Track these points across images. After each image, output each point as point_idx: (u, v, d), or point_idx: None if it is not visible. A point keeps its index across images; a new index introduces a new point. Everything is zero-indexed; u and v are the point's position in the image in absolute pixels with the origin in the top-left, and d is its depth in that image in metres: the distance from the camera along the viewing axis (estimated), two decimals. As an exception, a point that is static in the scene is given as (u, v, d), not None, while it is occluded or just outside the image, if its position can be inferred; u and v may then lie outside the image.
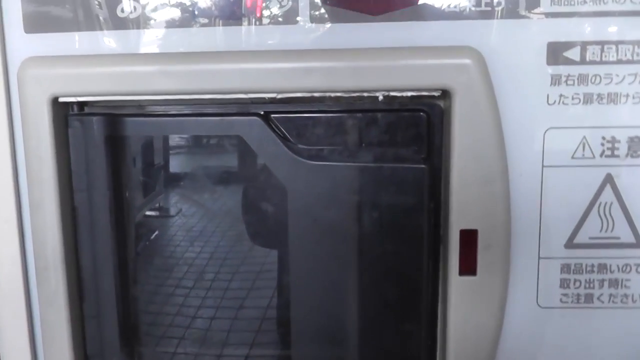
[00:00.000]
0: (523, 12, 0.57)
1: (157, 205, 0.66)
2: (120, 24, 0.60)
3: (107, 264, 0.63)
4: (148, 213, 0.66)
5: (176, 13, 0.59)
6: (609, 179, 0.59)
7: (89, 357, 0.66)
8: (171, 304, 0.66)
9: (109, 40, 0.60)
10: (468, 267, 0.59)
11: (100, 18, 0.60)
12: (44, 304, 0.63)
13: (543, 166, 0.59)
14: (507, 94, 0.57)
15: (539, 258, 0.61)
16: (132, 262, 0.64)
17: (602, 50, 0.57)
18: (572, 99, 0.58)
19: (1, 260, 0.64)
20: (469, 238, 0.58)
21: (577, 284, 0.61)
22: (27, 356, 0.66)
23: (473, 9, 0.57)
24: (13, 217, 0.63)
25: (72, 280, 0.63)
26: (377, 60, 0.57)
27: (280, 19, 0.58)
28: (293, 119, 0.60)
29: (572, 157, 0.59)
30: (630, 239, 0.60)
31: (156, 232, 0.66)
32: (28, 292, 0.65)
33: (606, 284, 0.61)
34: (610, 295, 0.61)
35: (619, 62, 0.57)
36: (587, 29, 0.57)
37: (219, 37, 0.59)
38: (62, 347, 0.64)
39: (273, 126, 0.60)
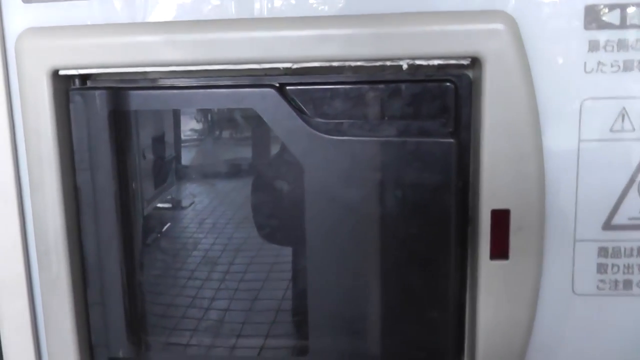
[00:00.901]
0: (559, -28, 0.52)
1: (166, 186, 0.62)
2: (124, -10, 0.56)
3: (112, 248, 0.60)
4: (156, 195, 0.62)
5: (184, -22, 0.55)
6: (651, 154, 0.55)
7: (93, 347, 0.63)
8: (182, 291, 0.62)
9: (112, 9, 0.57)
10: (499, 250, 0.55)
11: (103, -16, 0.56)
12: (45, 290, 0.60)
13: (579, 140, 0.55)
14: (541, 62, 0.54)
15: (575, 241, 0.57)
16: (139, 246, 0.61)
17: (645, 13, 0.52)
18: (611, 66, 0.54)
19: (1, 244, 0.61)
20: (500, 219, 0.55)
21: (615, 269, 0.57)
22: (29, 345, 0.63)
23: (505, -31, 0.53)
24: (13, 198, 0.60)
25: (75, 265, 0.60)
26: (401, 26, 0.53)
27: (296, -17, 0.54)
28: (310, 91, 0.56)
29: (611, 131, 0.55)
30: (674, 219, 0.56)
31: (165, 215, 0.62)
32: (30, 277, 0.62)
33: (647, 269, 0.57)
34: (652, 281, 0.57)
35: (664, 25, 0.53)
36: (628, -10, 0.52)
37: (230, 3, 0.56)
38: (65, 335, 0.61)
39: (288, 98, 0.56)
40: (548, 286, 0.58)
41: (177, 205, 0.63)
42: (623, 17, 0.53)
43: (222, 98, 0.56)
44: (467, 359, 0.60)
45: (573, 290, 0.58)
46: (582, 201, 0.56)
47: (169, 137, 0.61)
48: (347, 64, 0.55)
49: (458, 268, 0.57)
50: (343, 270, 0.58)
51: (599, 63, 0.54)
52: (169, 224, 0.62)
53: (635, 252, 0.57)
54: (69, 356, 0.61)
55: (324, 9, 0.55)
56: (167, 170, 0.62)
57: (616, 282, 0.58)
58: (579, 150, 0.56)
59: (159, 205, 0.63)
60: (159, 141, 0.61)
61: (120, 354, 0.63)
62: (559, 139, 0.55)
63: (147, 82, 0.59)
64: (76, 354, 0.61)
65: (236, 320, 0.62)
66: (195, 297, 0.62)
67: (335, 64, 0.54)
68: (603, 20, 0.53)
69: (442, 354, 0.58)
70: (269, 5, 0.56)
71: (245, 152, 0.59)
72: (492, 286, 0.56)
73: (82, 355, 0.62)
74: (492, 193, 0.54)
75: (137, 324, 0.62)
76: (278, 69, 0.56)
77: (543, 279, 0.57)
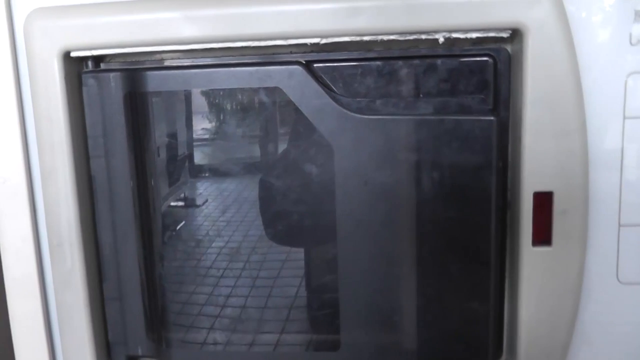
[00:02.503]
0: (604, -63, 0.50)
1: (186, 174, 0.59)
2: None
3: (129, 239, 0.57)
4: (175, 182, 0.59)
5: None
6: (702, 132, 0.52)
7: (110, 345, 0.60)
8: (205, 282, 0.59)
9: (126, -14, 0.54)
10: (542, 236, 0.52)
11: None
12: (59, 285, 0.57)
13: (624, 117, 0.52)
14: (584, 33, 0.51)
15: (619, 225, 0.54)
16: (159, 236, 0.57)
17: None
18: (659, 38, 0.51)
19: (11, 238, 0.58)
20: (543, 202, 0.52)
21: (662, 255, 0.54)
22: (42, 345, 0.60)
23: None
24: (23, 188, 0.58)
25: (90, 258, 0.58)
26: (437, -5, 0.50)
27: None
28: (339, 68, 0.53)
29: (658, 107, 0.52)
30: None
31: (185, 204, 0.59)
32: (42, 272, 0.59)
33: (697, 254, 0.54)
34: (702, 268, 0.54)
35: None
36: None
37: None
38: (80, 332, 0.58)
39: (316, 76, 0.53)
40: (591, 275, 0.55)
41: (194, 199, 0.59)
42: (671, -15, 0.50)
43: (246, 77, 0.53)
44: (507, 353, 0.57)
45: (618, 279, 0.55)
46: (627, 182, 0.53)
47: (186, 120, 0.58)
48: (378, 38, 0.52)
49: (498, 255, 0.53)
50: (376, 259, 0.54)
51: (646, 34, 0.51)
52: (191, 211, 0.59)
53: (683, 237, 0.54)
54: (85, 355, 0.58)
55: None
56: (186, 159, 0.59)
57: (663, 269, 0.54)
58: (623, 127, 0.53)
59: (177, 184, 0.59)
60: (178, 126, 0.58)
61: (139, 352, 0.60)
62: (602, 116, 0.52)
63: (163, 62, 0.56)
64: (92, 353, 0.58)
65: (261, 316, 0.59)
66: (223, 293, 0.59)
67: (366, 38, 0.51)
68: (650, -11, 0.50)
69: (482, 347, 0.55)
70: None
71: (270, 135, 0.56)
72: (535, 275, 0.53)
73: (99, 354, 0.59)
74: (534, 174, 0.51)
75: (156, 320, 0.59)
76: (305, 45, 0.53)
77: (586, 267, 0.54)
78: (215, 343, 0.58)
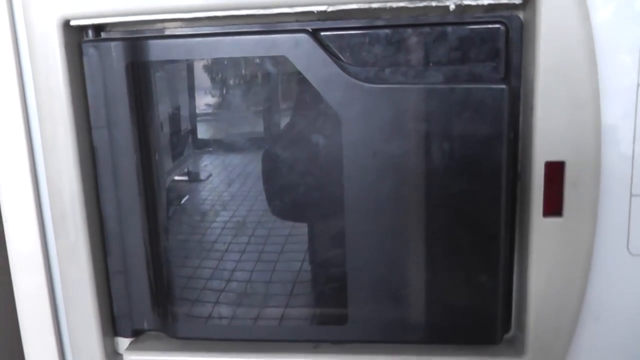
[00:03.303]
0: None
1: (190, 147, 0.58)
2: None
3: (133, 211, 0.56)
4: (179, 154, 0.58)
5: None
6: None
7: (116, 319, 0.59)
8: (212, 255, 0.58)
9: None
10: (553, 206, 0.51)
11: None
12: (63, 258, 0.57)
13: (638, 86, 0.51)
14: (598, 0, 0.49)
15: (631, 195, 0.53)
16: (163, 207, 0.57)
17: None
18: (675, 5, 0.49)
19: (13, 211, 0.57)
20: (554, 172, 0.51)
21: (674, 226, 0.53)
22: (47, 317, 0.59)
23: None
24: (24, 160, 0.57)
25: (94, 231, 0.57)
26: (447, -41, 0.48)
27: None
28: (347, 36, 0.52)
29: (673, 76, 0.51)
30: None
31: (190, 176, 0.58)
32: (45, 245, 0.59)
33: None
34: None
35: None
36: None
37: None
38: (85, 307, 0.57)
39: (323, 45, 0.51)
40: (602, 246, 0.54)
41: (198, 173, 0.58)
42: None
43: (251, 46, 0.51)
44: (515, 327, 0.56)
45: (628, 250, 0.54)
46: (640, 152, 0.52)
47: (189, 90, 0.56)
48: (387, 5, 0.50)
49: (509, 227, 0.53)
50: (384, 232, 0.54)
51: (661, 1, 0.50)
52: (198, 182, 0.58)
53: (695, 208, 0.53)
54: (91, 329, 0.58)
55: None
56: (188, 129, 0.57)
57: (674, 241, 0.53)
58: (637, 97, 0.51)
59: (181, 156, 0.58)
60: (181, 95, 0.57)
61: (145, 326, 0.59)
62: (615, 85, 0.51)
63: (166, 31, 0.55)
64: (98, 327, 0.58)
65: (267, 290, 0.58)
66: (228, 267, 0.58)
67: (375, 5, 0.50)
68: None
69: (490, 322, 0.54)
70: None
71: (276, 106, 0.54)
72: (545, 246, 0.52)
73: (105, 328, 0.58)
74: (546, 144, 0.50)
75: (162, 294, 0.58)
76: (311, 12, 0.51)
77: (596, 238, 0.53)
78: (220, 317, 0.58)
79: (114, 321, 0.59)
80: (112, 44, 0.54)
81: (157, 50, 0.53)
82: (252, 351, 0.58)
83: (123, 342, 0.61)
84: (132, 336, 0.60)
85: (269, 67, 0.53)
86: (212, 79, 0.55)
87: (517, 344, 0.55)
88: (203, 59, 0.54)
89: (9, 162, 0.56)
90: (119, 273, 0.58)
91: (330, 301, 0.58)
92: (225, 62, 0.54)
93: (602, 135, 0.51)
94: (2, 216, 0.58)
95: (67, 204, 0.55)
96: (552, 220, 0.52)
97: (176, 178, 0.58)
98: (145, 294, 0.58)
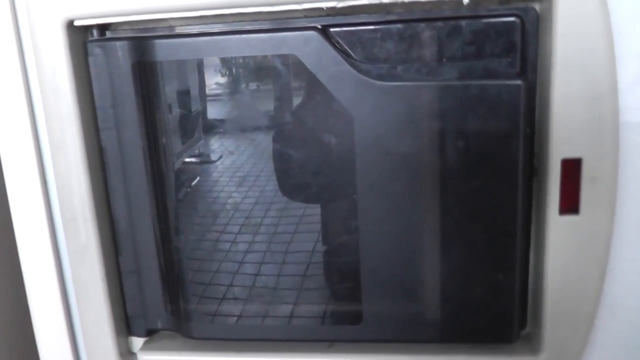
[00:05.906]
0: None
1: (194, 140, 0.57)
2: None
3: (143, 211, 0.56)
4: (189, 154, 0.57)
5: None
6: None
7: (129, 319, 0.59)
8: (225, 256, 0.58)
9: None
10: (570, 204, 0.50)
11: None
12: (74, 260, 0.57)
13: (658, 77, 0.49)
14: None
15: (649, 190, 0.51)
16: (173, 208, 0.56)
17: None
18: (697, -6, 0.47)
19: (23, 214, 0.57)
20: (571, 169, 0.50)
21: (694, 222, 0.52)
22: (61, 319, 0.59)
23: None
24: (33, 162, 0.56)
25: (105, 231, 0.57)
26: (461, -49, 0.47)
27: None
28: (357, 33, 0.51)
29: (693, 68, 0.49)
30: None
31: (199, 176, 0.57)
32: (56, 247, 0.59)
33: None
34: None
35: None
36: None
37: None
38: (98, 307, 0.57)
39: (333, 42, 0.50)
40: (620, 244, 0.53)
41: (208, 160, 0.57)
42: None
43: (259, 44, 0.50)
44: (531, 324, 0.56)
45: (646, 246, 0.53)
46: (659, 147, 0.51)
47: (201, 90, 0.55)
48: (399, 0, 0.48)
49: (524, 225, 0.52)
50: (399, 230, 0.53)
51: (683, -11, 0.48)
52: (205, 181, 0.57)
53: None
54: (104, 330, 0.58)
55: None
56: (196, 125, 0.56)
57: (694, 237, 0.52)
58: (655, 88, 0.50)
59: (190, 160, 0.57)
60: (188, 94, 0.56)
61: (159, 326, 0.59)
62: (635, 79, 0.49)
63: (171, 31, 0.54)
64: (111, 327, 0.58)
65: (275, 287, 0.58)
66: (245, 266, 0.58)
67: (385, 0, 0.48)
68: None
69: (507, 319, 0.53)
70: None
71: (286, 107, 0.53)
72: (561, 244, 0.51)
73: (118, 328, 0.58)
74: (563, 140, 0.49)
75: (175, 293, 0.58)
76: (321, 9, 0.50)
77: (614, 236, 0.52)
78: (236, 316, 0.58)
79: (128, 321, 0.59)
80: (118, 43, 0.53)
81: (163, 50, 0.52)
82: (267, 350, 0.58)
83: (137, 342, 0.61)
84: (146, 336, 0.60)
85: (278, 64, 0.52)
86: (221, 80, 0.54)
87: (534, 342, 0.55)
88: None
89: (18, 165, 0.56)
90: (131, 273, 0.58)
91: (345, 299, 0.57)
92: (234, 62, 0.53)
93: (620, 128, 0.50)
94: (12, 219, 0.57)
95: (77, 205, 0.55)
96: (569, 218, 0.51)
97: (187, 165, 0.58)
98: (158, 293, 0.58)
